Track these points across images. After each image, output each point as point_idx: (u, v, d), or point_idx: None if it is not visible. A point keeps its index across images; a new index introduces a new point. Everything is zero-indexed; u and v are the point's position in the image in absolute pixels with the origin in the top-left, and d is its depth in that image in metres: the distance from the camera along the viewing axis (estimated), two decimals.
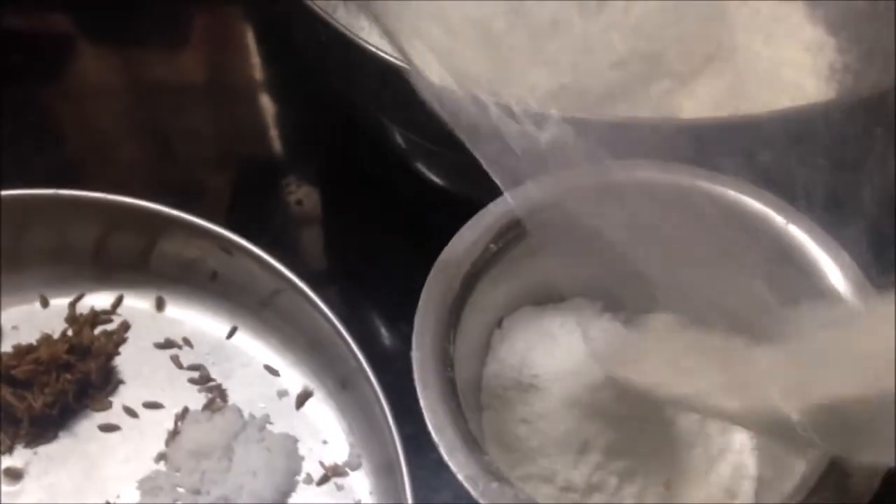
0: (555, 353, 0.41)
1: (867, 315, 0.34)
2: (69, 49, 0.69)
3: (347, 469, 0.47)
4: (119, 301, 0.53)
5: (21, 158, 0.60)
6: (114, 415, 0.49)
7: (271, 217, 0.60)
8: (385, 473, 0.45)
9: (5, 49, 0.67)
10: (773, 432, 0.34)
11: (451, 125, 0.37)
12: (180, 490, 0.46)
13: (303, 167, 0.64)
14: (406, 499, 0.41)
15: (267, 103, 0.69)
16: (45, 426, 0.47)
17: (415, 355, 0.36)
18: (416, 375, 0.36)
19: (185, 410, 0.49)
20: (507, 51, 0.49)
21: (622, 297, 0.44)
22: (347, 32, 0.47)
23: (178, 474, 0.46)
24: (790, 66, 0.54)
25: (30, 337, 0.50)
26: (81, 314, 0.52)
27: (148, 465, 0.47)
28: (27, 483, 0.46)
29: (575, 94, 0.49)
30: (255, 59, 0.72)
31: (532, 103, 0.42)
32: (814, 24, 0.57)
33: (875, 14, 0.53)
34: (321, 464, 0.47)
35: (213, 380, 0.50)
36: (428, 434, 0.35)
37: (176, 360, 0.50)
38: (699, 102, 0.51)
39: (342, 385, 0.48)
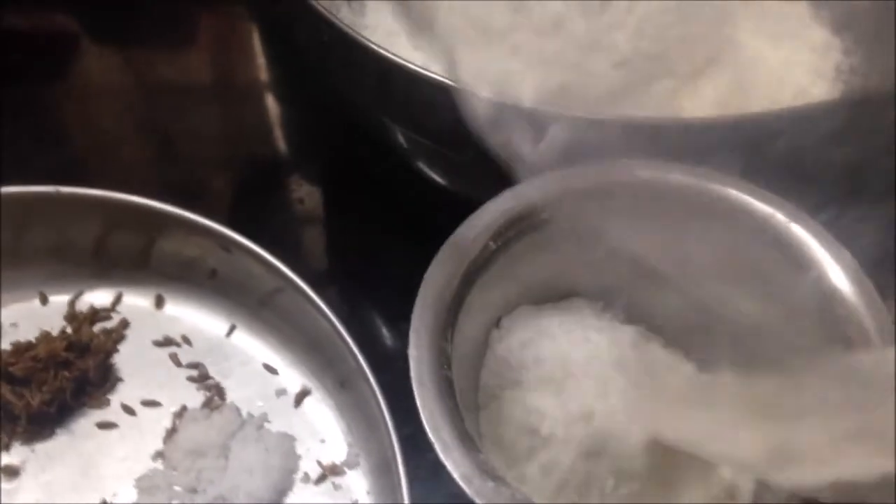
0: (554, 352, 0.41)
1: None
2: (73, 48, 0.69)
3: (345, 468, 0.47)
4: (118, 299, 0.53)
5: (23, 156, 0.60)
6: (112, 412, 0.48)
7: (272, 216, 0.60)
8: (382, 473, 0.44)
9: (9, 48, 0.67)
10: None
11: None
12: (177, 489, 0.46)
13: (305, 167, 0.64)
14: (403, 498, 0.41)
15: (270, 103, 0.69)
16: (42, 423, 0.47)
17: (412, 354, 0.36)
18: (412, 374, 0.36)
19: (183, 408, 0.48)
20: (509, 50, 0.49)
21: (622, 298, 0.44)
22: (350, 32, 0.47)
23: (175, 473, 0.46)
24: (795, 67, 0.54)
25: (29, 334, 0.50)
26: (81, 312, 0.52)
27: (145, 464, 0.47)
28: (24, 480, 0.46)
29: (577, 94, 0.48)
30: (260, 60, 0.72)
31: (535, 103, 0.42)
32: (819, 24, 0.56)
33: (880, 15, 0.53)
34: (319, 463, 0.47)
35: (211, 378, 0.50)
36: (425, 434, 0.35)
37: (174, 358, 0.50)
38: (702, 102, 0.50)
39: (341, 384, 0.48)
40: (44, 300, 0.52)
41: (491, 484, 0.33)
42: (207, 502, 0.45)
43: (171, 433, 0.48)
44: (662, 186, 0.40)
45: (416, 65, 0.45)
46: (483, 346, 0.42)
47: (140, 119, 0.67)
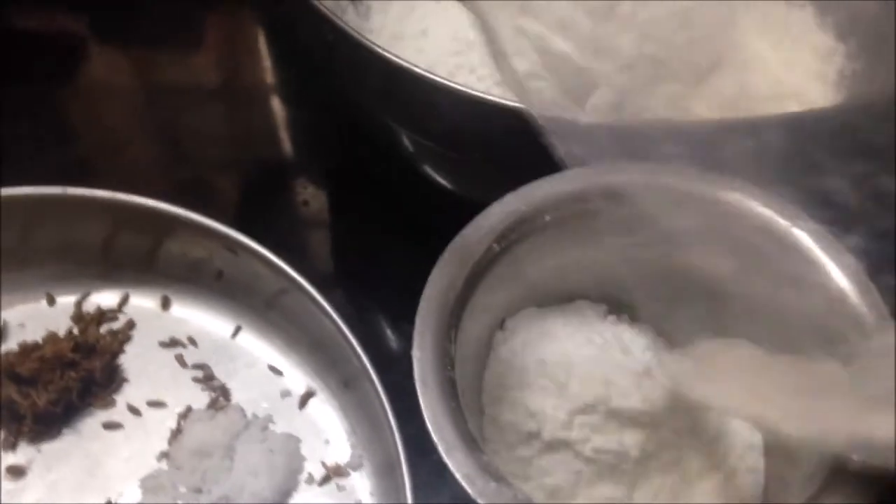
0: (557, 354, 0.41)
1: None
2: (81, 50, 0.70)
3: (349, 469, 0.47)
4: (125, 300, 0.53)
5: (30, 157, 0.61)
6: (117, 413, 0.49)
7: (278, 218, 0.60)
8: (386, 474, 0.45)
9: (16, 49, 0.67)
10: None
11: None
12: (182, 489, 0.46)
13: (311, 169, 0.64)
14: (406, 499, 0.41)
15: (276, 105, 0.69)
16: (48, 423, 0.48)
17: (415, 354, 0.36)
18: (416, 374, 0.36)
19: (189, 409, 0.49)
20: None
21: (626, 300, 0.44)
22: (355, 34, 0.47)
23: (180, 473, 0.46)
24: (799, 72, 0.54)
25: (36, 335, 0.50)
26: (87, 312, 0.52)
27: (150, 464, 0.47)
28: (30, 480, 0.46)
29: (581, 96, 0.49)
30: (266, 62, 0.72)
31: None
32: (823, 30, 0.56)
33: (884, 21, 0.53)
34: (323, 464, 0.47)
35: (216, 379, 0.50)
36: (429, 435, 0.35)
37: (180, 359, 0.51)
38: (706, 106, 0.50)
39: (345, 385, 0.48)
40: (51, 301, 0.52)
41: (493, 484, 0.33)
42: (212, 502, 0.45)
43: (176, 434, 0.48)
44: (664, 189, 0.40)
45: (420, 67, 0.45)
46: (487, 348, 0.43)
47: (146, 120, 0.68)
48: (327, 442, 0.48)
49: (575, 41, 0.48)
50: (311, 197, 0.61)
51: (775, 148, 0.41)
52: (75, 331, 0.51)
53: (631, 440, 0.39)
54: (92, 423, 0.48)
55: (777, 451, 0.40)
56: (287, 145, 0.67)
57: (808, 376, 0.35)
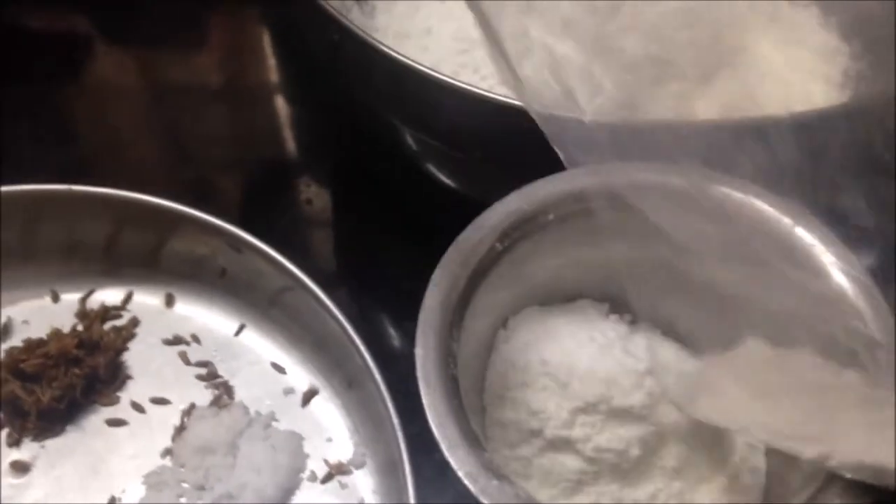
0: (560, 354, 0.41)
1: None
2: (86, 49, 0.70)
3: (351, 467, 0.47)
4: (129, 297, 0.53)
5: (35, 155, 0.61)
6: (121, 410, 0.49)
7: (282, 216, 0.60)
8: (389, 472, 0.45)
9: (22, 48, 0.68)
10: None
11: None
12: (185, 486, 0.46)
13: (314, 167, 0.64)
14: (409, 498, 0.41)
15: (280, 104, 0.70)
16: (52, 420, 0.48)
17: (418, 352, 0.36)
18: (419, 372, 0.36)
19: (192, 406, 0.49)
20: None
21: (628, 300, 0.44)
22: (360, 33, 0.47)
23: (183, 470, 0.47)
24: (803, 72, 0.54)
25: (40, 331, 0.50)
26: (92, 310, 0.52)
27: (154, 461, 0.47)
28: (34, 476, 0.47)
29: (584, 96, 0.49)
30: (270, 61, 0.72)
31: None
32: (827, 30, 0.56)
33: (888, 21, 0.53)
34: (325, 462, 0.47)
35: (220, 376, 0.50)
36: (432, 434, 0.35)
37: (184, 357, 0.51)
38: (710, 106, 0.50)
39: (348, 384, 0.48)
40: (55, 298, 0.53)
41: (495, 482, 0.33)
42: (215, 500, 0.45)
43: (179, 431, 0.48)
44: (669, 188, 0.40)
45: (425, 66, 0.45)
46: (489, 347, 0.43)
47: (151, 119, 0.68)
48: (330, 440, 0.48)
49: (579, 41, 0.48)
50: (315, 196, 0.61)
51: (779, 148, 0.41)
52: (79, 328, 0.51)
53: (632, 439, 0.39)
54: (96, 419, 0.49)
55: (778, 451, 0.40)
56: (290, 144, 0.67)
57: (815, 382, 0.35)
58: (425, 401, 0.35)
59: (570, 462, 0.39)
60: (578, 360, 0.40)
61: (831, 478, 0.33)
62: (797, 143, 0.41)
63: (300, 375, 0.50)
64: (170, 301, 0.53)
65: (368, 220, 0.60)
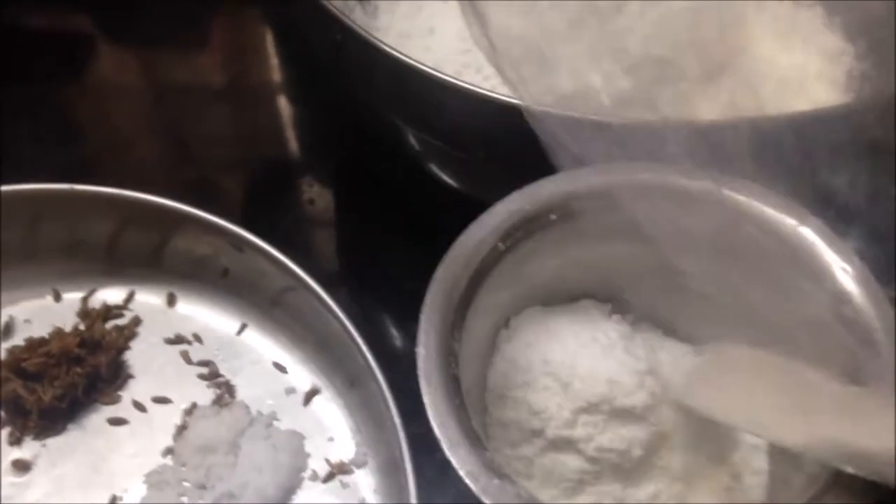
0: (562, 354, 0.41)
1: None
2: (87, 49, 0.70)
3: (353, 467, 0.47)
4: (131, 296, 0.53)
5: (37, 154, 0.61)
6: (123, 409, 0.49)
7: (284, 216, 0.60)
8: (390, 472, 0.45)
9: (25, 47, 0.68)
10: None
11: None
12: (186, 485, 0.46)
13: (317, 167, 0.64)
14: (410, 498, 0.41)
15: (283, 104, 0.70)
16: (54, 419, 0.48)
17: (419, 352, 0.36)
18: (420, 372, 0.36)
19: (194, 406, 0.49)
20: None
21: (631, 300, 0.44)
22: (363, 33, 0.47)
23: (184, 469, 0.47)
24: (807, 72, 0.54)
25: (42, 330, 0.50)
26: (93, 309, 0.52)
27: (155, 460, 0.47)
28: (35, 475, 0.47)
29: (589, 97, 0.48)
30: (273, 61, 0.72)
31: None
32: (832, 30, 0.56)
33: (893, 22, 0.53)
34: (327, 461, 0.47)
35: (221, 376, 0.50)
36: (433, 433, 0.35)
37: (185, 356, 0.51)
38: (714, 106, 0.50)
39: (350, 383, 0.48)
40: (57, 297, 0.53)
41: (497, 482, 0.33)
42: (216, 499, 0.45)
43: (181, 430, 0.48)
44: (670, 189, 0.40)
45: (428, 66, 0.45)
46: (491, 347, 0.43)
47: (153, 119, 0.68)
48: (331, 439, 0.48)
49: (581, 41, 0.48)
50: (317, 195, 0.61)
51: (781, 148, 0.41)
52: (81, 327, 0.51)
53: (634, 439, 0.39)
54: (97, 418, 0.49)
55: (781, 451, 0.40)
56: (293, 144, 0.67)
57: (807, 384, 0.35)
58: (427, 400, 0.35)
59: (572, 462, 0.39)
60: (580, 361, 0.40)
61: (833, 479, 0.33)
62: (799, 143, 0.41)
63: (302, 375, 0.50)
64: (172, 300, 0.53)
65: (371, 219, 0.60)
